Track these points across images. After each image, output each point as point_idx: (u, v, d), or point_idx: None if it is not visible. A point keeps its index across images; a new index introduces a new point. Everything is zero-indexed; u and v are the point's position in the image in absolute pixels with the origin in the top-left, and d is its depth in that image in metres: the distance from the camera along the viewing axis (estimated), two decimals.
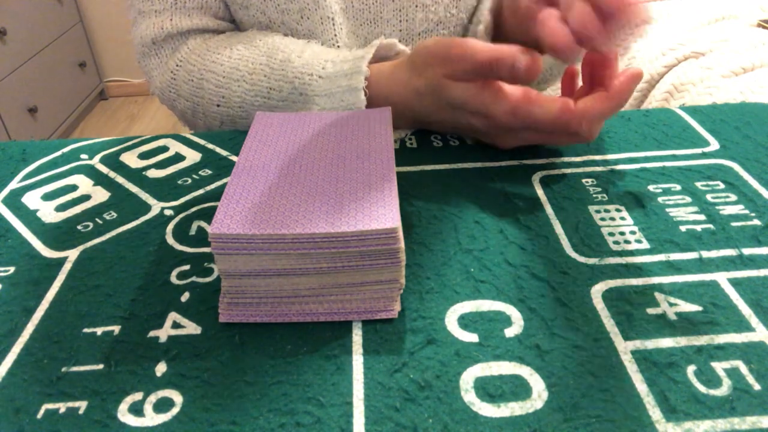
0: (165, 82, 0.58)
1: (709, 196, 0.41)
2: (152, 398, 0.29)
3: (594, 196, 0.41)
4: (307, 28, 0.56)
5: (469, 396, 0.28)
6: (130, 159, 0.49)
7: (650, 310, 0.32)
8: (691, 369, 0.29)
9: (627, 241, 0.37)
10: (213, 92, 0.53)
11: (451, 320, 0.32)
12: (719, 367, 0.29)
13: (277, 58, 0.51)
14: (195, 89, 0.55)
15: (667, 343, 0.30)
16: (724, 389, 0.28)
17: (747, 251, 0.36)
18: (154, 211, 0.42)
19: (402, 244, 0.31)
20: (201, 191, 0.44)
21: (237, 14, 0.59)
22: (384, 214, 0.31)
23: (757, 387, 0.28)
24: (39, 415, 0.28)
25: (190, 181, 0.45)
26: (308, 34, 0.56)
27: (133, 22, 0.60)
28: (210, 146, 0.50)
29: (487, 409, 0.27)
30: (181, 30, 0.56)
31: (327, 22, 0.56)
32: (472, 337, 0.31)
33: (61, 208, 0.43)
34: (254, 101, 0.52)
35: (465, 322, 0.32)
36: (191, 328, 0.32)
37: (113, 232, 0.40)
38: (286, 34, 0.57)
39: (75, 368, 0.30)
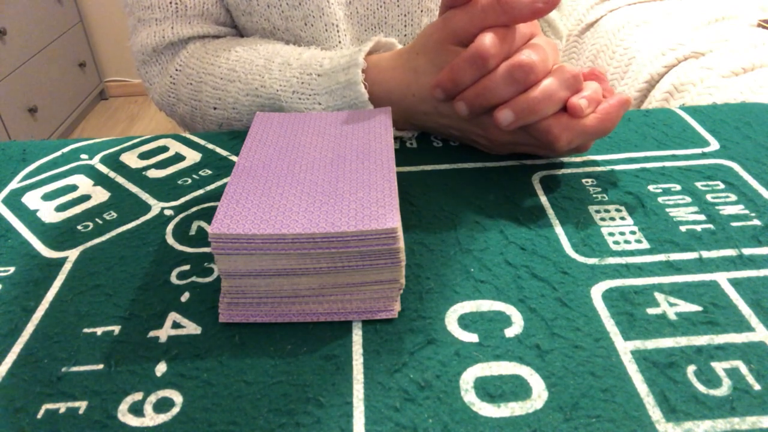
0: (165, 86, 0.57)
1: (709, 196, 0.41)
2: (152, 398, 0.29)
3: (594, 196, 0.41)
4: (311, 35, 0.56)
5: (469, 396, 0.28)
6: (130, 159, 0.49)
7: (650, 310, 0.32)
8: (691, 369, 0.29)
9: (627, 241, 0.37)
10: (210, 94, 0.53)
11: (451, 320, 0.32)
12: (719, 367, 0.29)
13: (276, 62, 0.51)
14: (194, 92, 0.55)
15: (667, 343, 0.30)
16: (724, 389, 0.28)
17: (747, 251, 0.36)
18: (154, 211, 0.42)
19: (402, 244, 0.31)
20: (201, 191, 0.44)
21: (239, 20, 0.58)
22: (384, 214, 0.31)
23: (757, 387, 0.28)
24: (39, 415, 0.28)
25: (190, 181, 0.45)
26: (312, 41, 0.56)
27: (132, 30, 0.59)
28: (210, 146, 0.50)
29: (487, 409, 0.27)
30: (182, 38, 0.56)
31: (331, 28, 0.55)
32: (472, 337, 0.31)
33: (61, 208, 0.43)
34: (245, 101, 0.51)
35: (465, 322, 0.32)
36: (191, 328, 0.32)
37: (113, 232, 0.40)
38: (289, 41, 0.56)
39: (75, 368, 0.30)
